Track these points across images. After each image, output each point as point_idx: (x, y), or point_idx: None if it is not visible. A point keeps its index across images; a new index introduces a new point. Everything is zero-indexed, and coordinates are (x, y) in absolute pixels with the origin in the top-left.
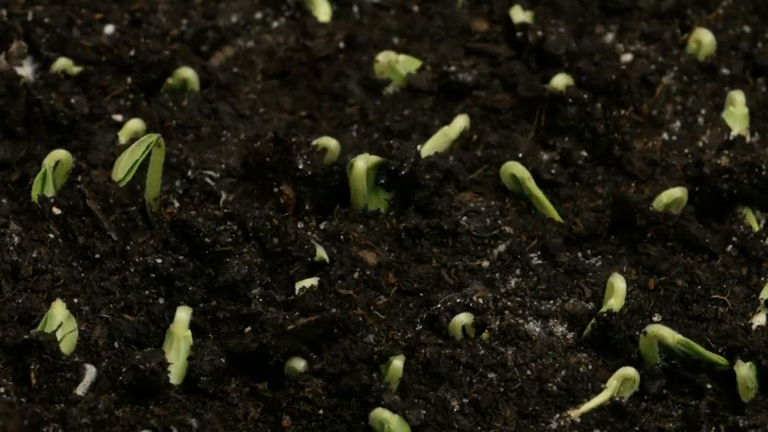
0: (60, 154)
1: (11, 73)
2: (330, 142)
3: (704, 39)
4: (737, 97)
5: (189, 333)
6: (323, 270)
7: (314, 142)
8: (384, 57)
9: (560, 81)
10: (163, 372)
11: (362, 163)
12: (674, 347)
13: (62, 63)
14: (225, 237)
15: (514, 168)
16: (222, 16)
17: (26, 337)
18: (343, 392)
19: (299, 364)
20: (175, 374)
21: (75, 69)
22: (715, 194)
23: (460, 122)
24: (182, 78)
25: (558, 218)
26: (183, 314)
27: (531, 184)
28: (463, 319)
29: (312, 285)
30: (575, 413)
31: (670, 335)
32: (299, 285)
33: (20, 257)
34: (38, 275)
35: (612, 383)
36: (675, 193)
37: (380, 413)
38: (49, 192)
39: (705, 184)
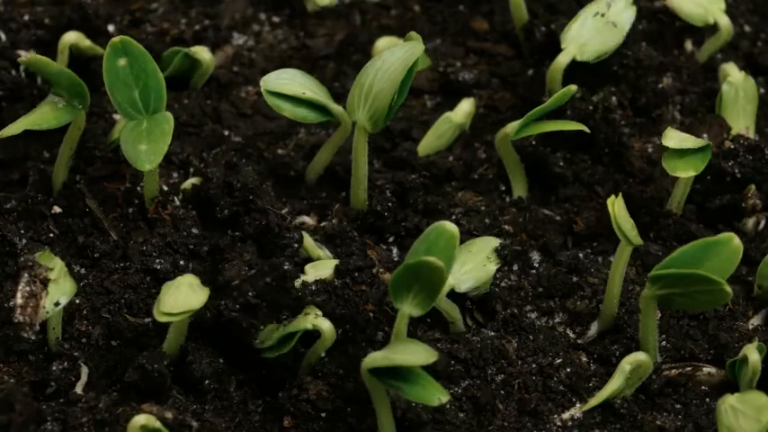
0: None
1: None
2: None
3: (722, 21)
4: (731, 69)
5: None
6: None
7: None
8: (385, 42)
9: (564, 59)
10: (168, 373)
11: (364, 138)
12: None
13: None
14: (225, 237)
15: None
16: (222, 16)
17: None
18: (346, 396)
19: (310, 320)
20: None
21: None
22: (720, 177)
23: (465, 107)
24: (197, 59)
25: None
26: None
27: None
28: (450, 281)
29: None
30: (577, 410)
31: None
32: (308, 268)
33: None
34: None
35: (626, 367)
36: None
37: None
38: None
39: (709, 167)
